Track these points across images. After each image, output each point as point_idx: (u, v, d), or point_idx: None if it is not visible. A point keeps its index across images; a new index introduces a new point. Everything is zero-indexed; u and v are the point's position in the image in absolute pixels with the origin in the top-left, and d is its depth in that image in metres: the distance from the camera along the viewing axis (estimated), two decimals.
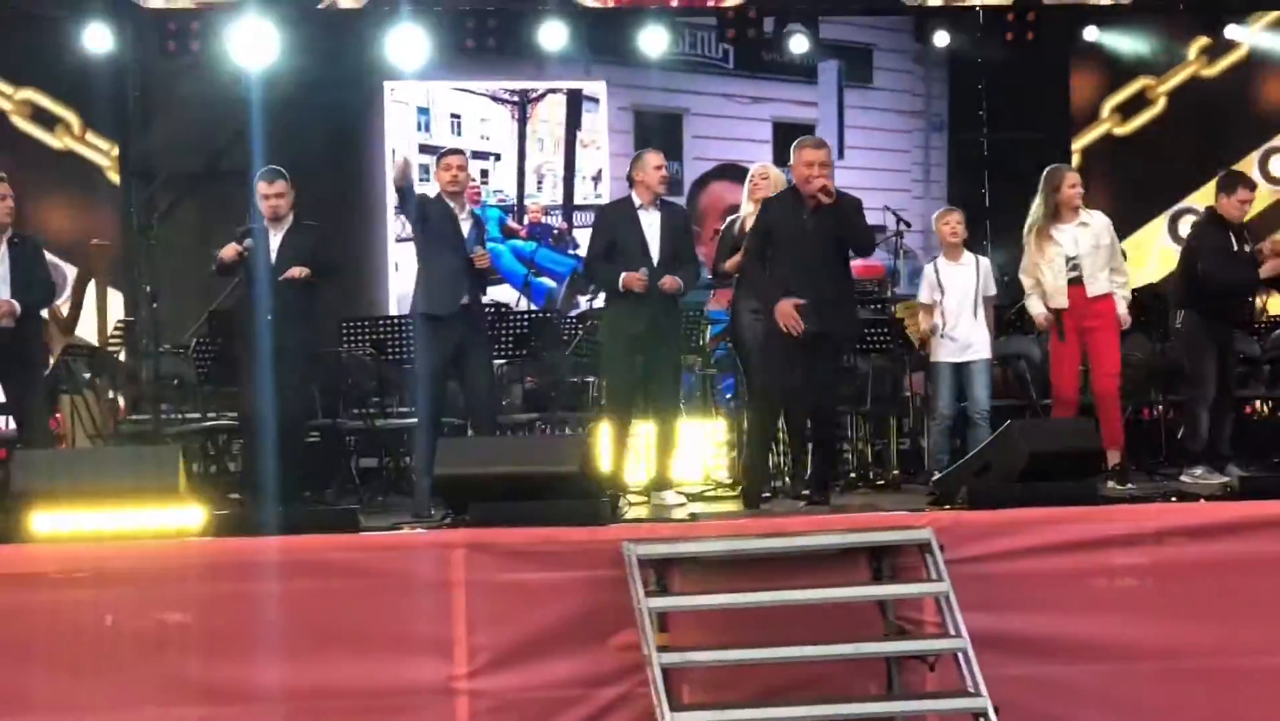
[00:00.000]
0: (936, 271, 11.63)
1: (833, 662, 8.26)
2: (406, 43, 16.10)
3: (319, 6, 16.51)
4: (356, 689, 8.25)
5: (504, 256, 17.05)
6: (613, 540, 8.34)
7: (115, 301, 14.63)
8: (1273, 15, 17.62)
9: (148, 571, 8.29)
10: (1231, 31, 17.14)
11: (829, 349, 10.21)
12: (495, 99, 17.55)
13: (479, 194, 17.18)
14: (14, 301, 10.27)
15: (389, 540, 8.87)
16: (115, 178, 16.90)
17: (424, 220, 10.96)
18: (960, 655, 8.06)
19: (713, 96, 17.92)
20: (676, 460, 11.32)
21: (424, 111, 17.36)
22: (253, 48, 15.73)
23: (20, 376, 10.47)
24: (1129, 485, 10.81)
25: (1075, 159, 17.98)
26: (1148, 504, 9.58)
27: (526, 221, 17.55)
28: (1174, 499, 9.86)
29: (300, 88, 16.11)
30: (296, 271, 10.76)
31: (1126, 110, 18.33)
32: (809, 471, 10.79)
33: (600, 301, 11.82)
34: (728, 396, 13.71)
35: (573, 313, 15.07)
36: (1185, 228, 17.19)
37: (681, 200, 17.10)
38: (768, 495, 10.59)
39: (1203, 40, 17.96)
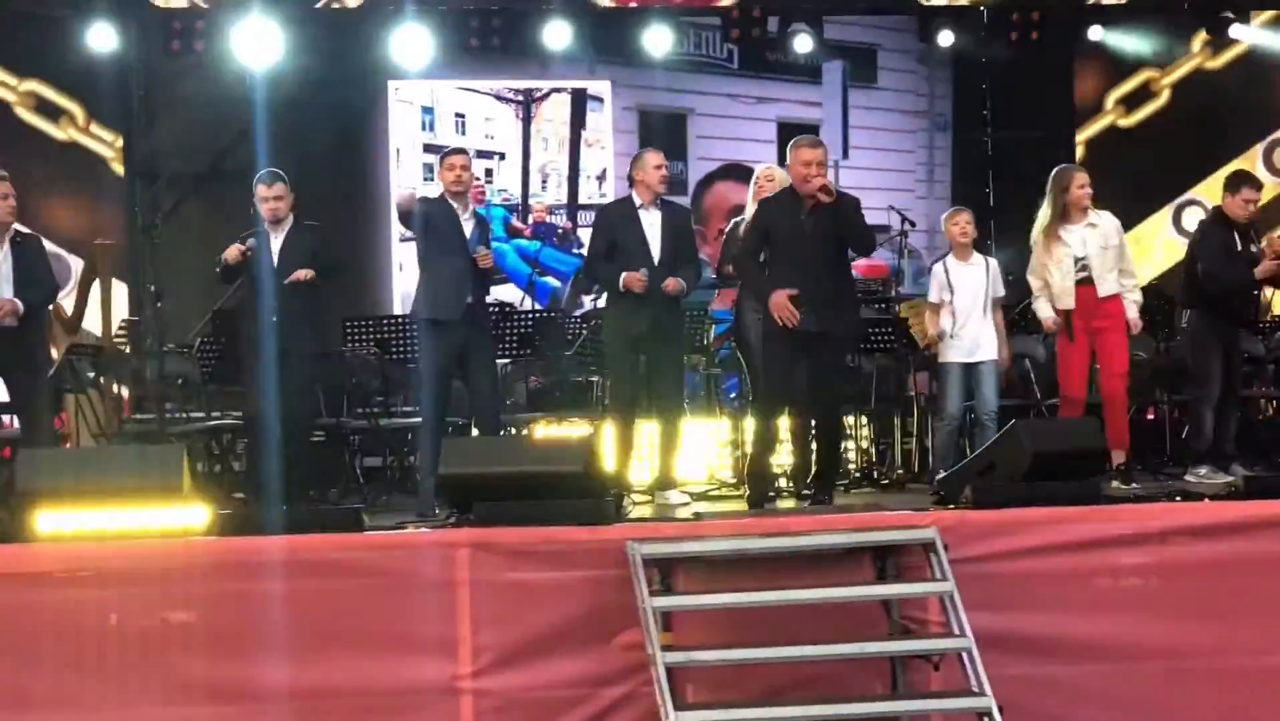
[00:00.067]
0: (946, 271, 11.58)
1: (837, 662, 8.25)
2: (411, 42, 16.09)
3: (316, 6, 16.48)
4: (361, 688, 8.25)
5: (508, 256, 17.06)
6: (617, 539, 8.33)
7: (120, 301, 14.62)
8: (1271, 13, 17.58)
9: (152, 571, 8.29)
10: (1236, 31, 17.09)
11: (830, 349, 10.20)
12: (500, 98, 17.55)
13: (483, 193, 17.18)
14: (16, 300, 10.27)
15: (393, 539, 8.87)
16: (119, 169, 16.91)
17: (426, 225, 10.97)
18: (965, 654, 8.05)
19: (717, 97, 17.92)
20: (680, 459, 11.32)
21: (428, 111, 17.36)
22: (257, 47, 15.72)
23: (24, 375, 10.46)
24: (1133, 485, 10.83)
25: (1079, 151, 18.02)
26: (1152, 503, 9.57)
27: (531, 221, 17.55)
28: (1178, 498, 9.84)
29: (304, 87, 16.11)
30: (301, 274, 10.76)
31: (1130, 102, 18.32)
32: (812, 471, 10.77)
33: (604, 301, 11.81)
34: (731, 396, 13.71)
35: (577, 312, 15.07)
36: (1189, 220, 17.24)
37: (686, 200, 17.11)
38: (772, 495, 10.59)
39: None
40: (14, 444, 11.03)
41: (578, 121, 17.72)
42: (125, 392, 13.34)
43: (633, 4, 17.18)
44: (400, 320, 12.86)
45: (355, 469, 13.10)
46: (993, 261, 11.76)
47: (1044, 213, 11.18)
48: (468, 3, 16.40)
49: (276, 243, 10.95)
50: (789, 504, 10.63)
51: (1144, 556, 8.72)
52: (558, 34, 16.31)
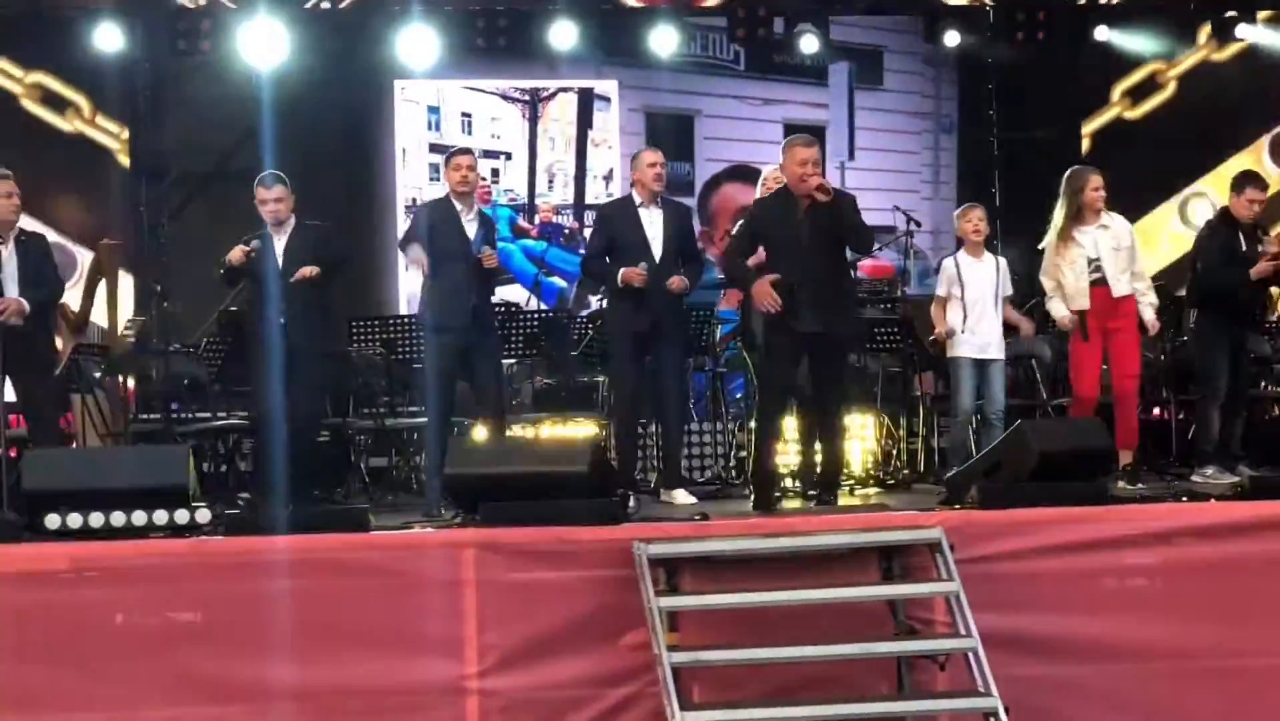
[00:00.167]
0: (957, 265, 11.56)
1: (843, 662, 8.25)
2: (417, 42, 16.08)
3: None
4: (367, 688, 8.25)
5: (515, 256, 17.06)
6: (623, 539, 8.34)
7: (125, 301, 14.63)
8: (1273, 12, 17.56)
9: (158, 570, 8.31)
10: (1243, 31, 17.07)
11: (832, 348, 10.15)
12: (506, 98, 17.55)
13: (489, 193, 17.18)
14: (22, 300, 10.27)
15: (399, 539, 8.87)
16: (125, 161, 16.93)
17: (429, 232, 10.98)
18: (971, 655, 8.05)
19: (724, 98, 17.92)
20: (687, 459, 11.32)
21: (434, 110, 17.36)
22: (263, 47, 15.73)
23: (31, 375, 10.46)
24: (1139, 485, 10.83)
25: (1085, 144, 18.02)
26: (1158, 504, 9.56)
27: (537, 221, 17.54)
28: (1185, 499, 9.83)
29: (310, 87, 16.10)
30: (306, 271, 10.76)
31: (1136, 95, 18.29)
32: (817, 471, 10.77)
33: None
34: (737, 396, 13.71)
35: (583, 312, 15.06)
36: (1196, 212, 17.24)
37: (693, 201, 17.12)
38: (777, 495, 10.58)
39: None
40: (21, 443, 11.04)
41: (584, 121, 17.71)
42: (132, 386, 13.31)
43: (642, 2, 17.19)
44: (406, 320, 12.88)
45: (361, 469, 13.10)
46: (1002, 260, 11.75)
47: (1058, 214, 11.18)
48: (473, 3, 16.40)
49: (280, 244, 10.95)
50: (794, 504, 10.62)
51: (1150, 557, 8.72)
52: (564, 34, 16.30)
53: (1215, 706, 8.60)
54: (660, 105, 17.83)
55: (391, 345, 12.64)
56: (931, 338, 11.80)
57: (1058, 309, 11.13)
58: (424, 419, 11.45)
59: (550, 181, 17.65)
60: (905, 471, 12.48)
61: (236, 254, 10.78)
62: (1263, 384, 13.54)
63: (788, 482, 11.49)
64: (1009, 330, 11.73)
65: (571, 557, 8.39)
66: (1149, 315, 11.14)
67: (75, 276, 13.65)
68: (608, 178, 17.51)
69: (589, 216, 17.12)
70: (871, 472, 12.63)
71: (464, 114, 17.43)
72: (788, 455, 11.59)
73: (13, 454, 10.69)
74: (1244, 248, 11.42)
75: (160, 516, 8.62)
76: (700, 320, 12.66)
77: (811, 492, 10.60)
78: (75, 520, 8.53)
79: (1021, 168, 17.19)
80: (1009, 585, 8.52)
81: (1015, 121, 17.91)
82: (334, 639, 8.28)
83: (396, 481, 12.90)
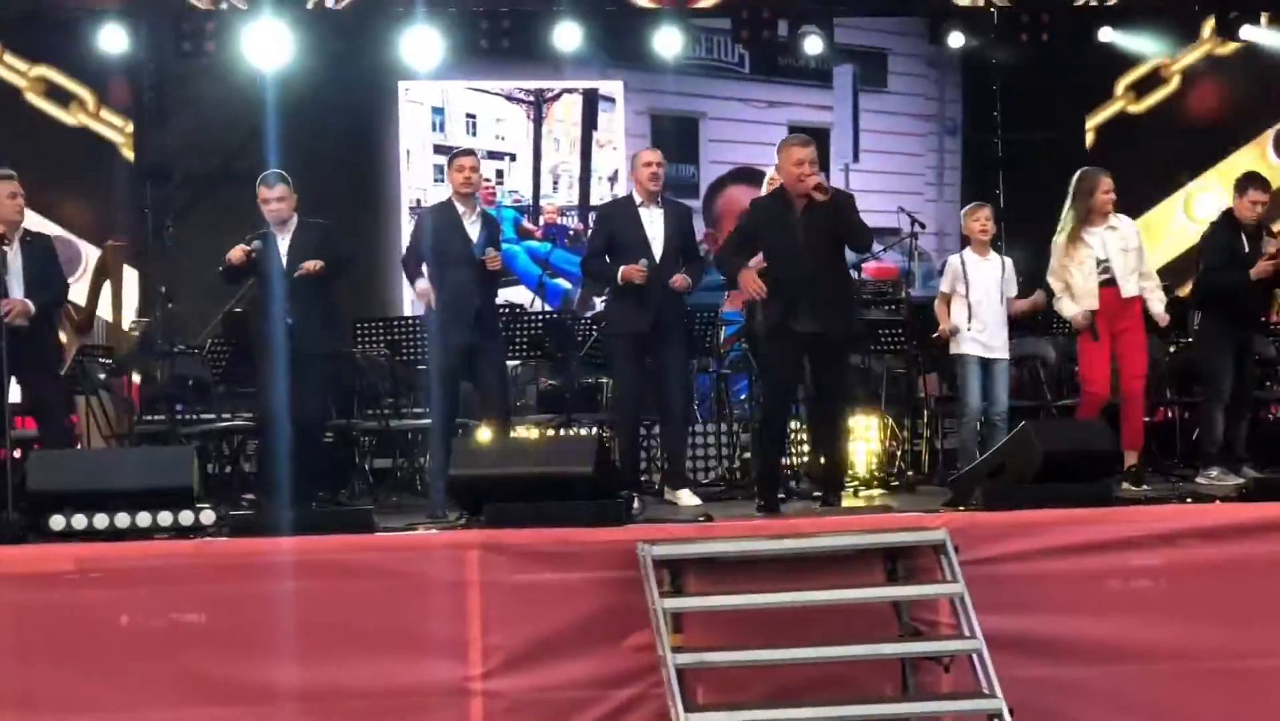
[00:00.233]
0: (963, 263, 11.56)
1: (847, 663, 8.25)
2: (421, 43, 16.09)
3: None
4: (371, 689, 8.25)
5: (519, 257, 17.07)
6: (627, 541, 8.33)
7: (131, 301, 14.64)
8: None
9: (163, 572, 8.31)
10: (1247, 32, 17.07)
11: (833, 349, 10.10)
12: (511, 99, 17.55)
13: (494, 194, 17.20)
14: (28, 301, 10.26)
15: (404, 541, 8.87)
16: (130, 154, 16.97)
17: (432, 235, 10.98)
18: (975, 656, 8.05)
19: (729, 100, 17.93)
20: (691, 460, 11.31)
21: (439, 111, 17.37)
22: (267, 48, 15.74)
23: (37, 375, 10.45)
24: (1144, 486, 10.83)
25: (1089, 138, 18.05)
26: (1163, 505, 9.57)
27: (542, 222, 17.55)
28: (1189, 500, 9.83)
29: (315, 88, 16.13)
30: (310, 265, 10.75)
31: (1140, 89, 18.30)
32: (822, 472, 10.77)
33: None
34: (741, 398, 13.72)
35: (588, 314, 15.08)
36: (1200, 206, 17.25)
37: (698, 203, 17.13)
38: (782, 496, 10.57)
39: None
40: (26, 445, 11.04)
41: (589, 122, 17.72)
42: (137, 382, 13.32)
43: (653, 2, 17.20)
44: (411, 322, 12.89)
45: (366, 470, 13.11)
46: (1008, 261, 11.75)
47: (1067, 215, 11.17)
48: (477, 4, 16.41)
49: (284, 243, 10.95)
50: (799, 505, 10.61)
51: (1155, 558, 8.72)
52: (568, 36, 16.31)
53: (1220, 707, 8.59)
54: (665, 107, 17.84)
55: (396, 346, 12.65)
56: (935, 334, 11.80)
57: (1068, 308, 11.10)
58: (428, 420, 11.45)
59: (555, 183, 17.65)
60: (910, 473, 12.48)
61: (236, 253, 10.78)
62: (1268, 384, 13.51)
63: (793, 484, 11.47)
64: (1014, 331, 11.73)
65: (576, 559, 8.39)
66: (1158, 308, 11.13)
67: (80, 270, 13.69)
68: (613, 179, 17.51)
69: (594, 218, 17.17)
70: (876, 474, 12.63)
71: (468, 115, 17.44)
72: (794, 455, 11.58)
73: (19, 455, 10.70)
74: (1247, 249, 11.43)
75: (165, 518, 8.63)
76: (704, 322, 12.66)
77: (817, 493, 10.59)
78: (80, 521, 8.54)
79: (1025, 168, 17.20)
80: (1013, 586, 8.51)
81: (1019, 122, 17.91)
82: (338, 640, 8.27)
83: (401, 482, 12.91)
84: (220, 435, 12.78)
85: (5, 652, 8.16)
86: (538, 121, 17.62)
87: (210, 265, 11.17)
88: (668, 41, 16.64)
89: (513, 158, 17.56)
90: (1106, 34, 17.14)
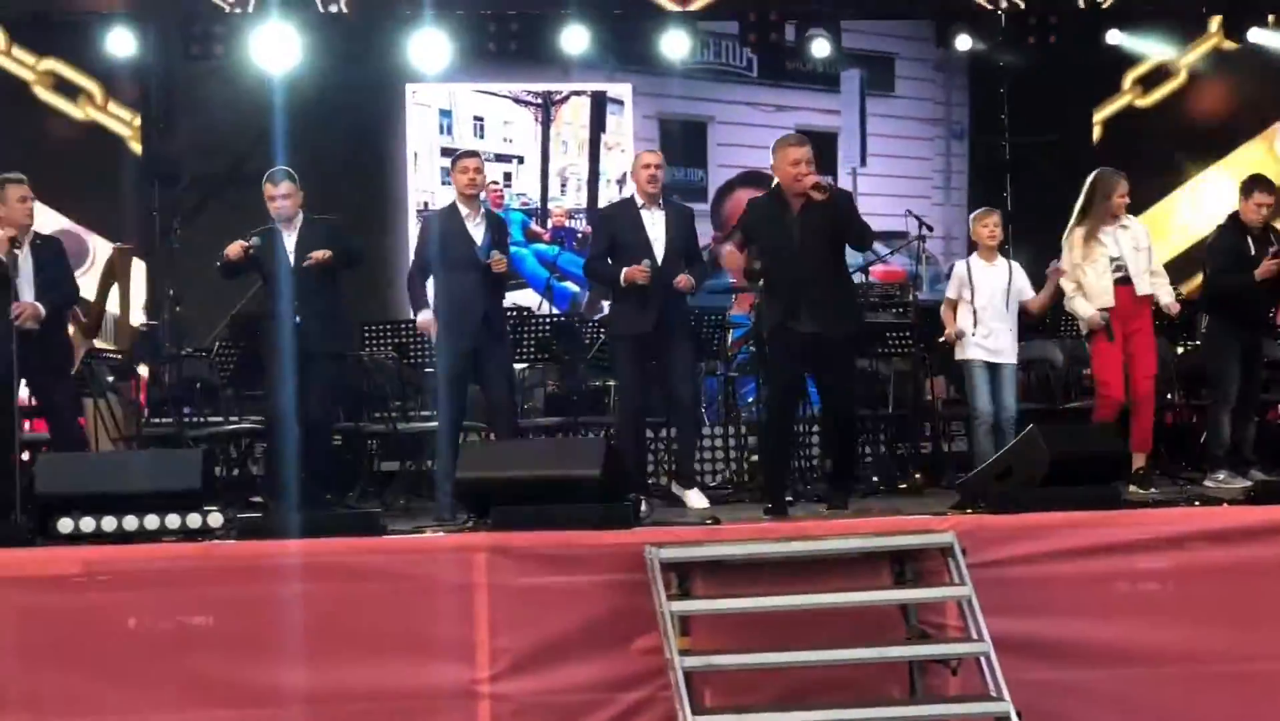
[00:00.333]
0: (969, 269, 11.57)
1: (855, 666, 8.23)
2: (428, 46, 16.12)
3: (331, 9, 16.53)
4: (378, 692, 8.25)
5: (527, 260, 17.08)
6: (635, 543, 8.32)
7: (139, 305, 14.67)
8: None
9: (170, 574, 8.30)
10: (1255, 35, 17.07)
11: (834, 349, 10.07)
12: (518, 101, 17.57)
13: (501, 197, 17.21)
14: (38, 304, 10.28)
15: (411, 543, 8.87)
16: (137, 148, 17.00)
17: (439, 242, 10.98)
18: (983, 659, 8.04)
19: (737, 105, 17.97)
20: (699, 463, 11.30)
21: (446, 114, 17.39)
22: (275, 51, 15.76)
23: (48, 378, 10.46)
24: (1152, 489, 10.81)
25: (1096, 131, 18.04)
26: (1171, 508, 9.53)
27: (550, 225, 17.56)
28: (1197, 503, 9.81)
29: (322, 91, 16.17)
30: (318, 255, 10.73)
31: (1148, 82, 18.29)
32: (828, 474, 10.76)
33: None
34: (749, 400, 13.71)
35: (595, 317, 15.09)
36: (1206, 200, 17.23)
37: (706, 206, 17.15)
38: (789, 498, 10.56)
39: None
40: (34, 447, 11.05)
41: (597, 124, 17.74)
42: (144, 377, 13.34)
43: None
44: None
45: (373, 473, 13.11)
46: (1016, 265, 11.74)
47: (1079, 215, 11.13)
48: (484, 7, 16.42)
49: (291, 240, 10.94)
50: (806, 508, 10.61)
51: (1162, 561, 8.70)
52: (575, 39, 16.33)
53: (1228, 711, 8.57)
54: (673, 111, 17.87)
55: (403, 349, 12.65)
56: (941, 339, 11.79)
57: (1083, 308, 11.06)
58: (436, 423, 11.45)
59: (563, 185, 17.67)
60: (917, 475, 12.47)
61: (234, 248, 10.76)
62: (1273, 388, 13.50)
63: (800, 486, 11.47)
64: (1022, 333, 11.73)
65: (583, 562, 8.38)
66: (1167, 299, 11.12)
67: (87, 264, 13.68)
68: (621, 182, 17.52)
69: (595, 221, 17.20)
70: (883, 476, 12.63)
71: (476, 117, 17.46)
72: (802, 458, 11.58)
73: (26, 457, 10.71)
74: (1252, 251, 11.42)
75: (172, 520, 8.63)
76: (712, 324, 12.66)
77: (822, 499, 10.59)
78: (88, 524, 8.54)
79: (1032, 171, 17.21)
80: (1021, 589, 8.50)
81: (1026, 125, 17.93)
82: (345, 643, 8.27)
83: (408, 485, 12.90)
84: (228, 438, 12.79)
85: (13, 655, 8.16)
86: (545, 124, 17.63)
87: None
88: (675, 45, 16.66)
89: (520, 160, 17.57)
90: (1114, 36, 17.14)
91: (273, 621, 8.24)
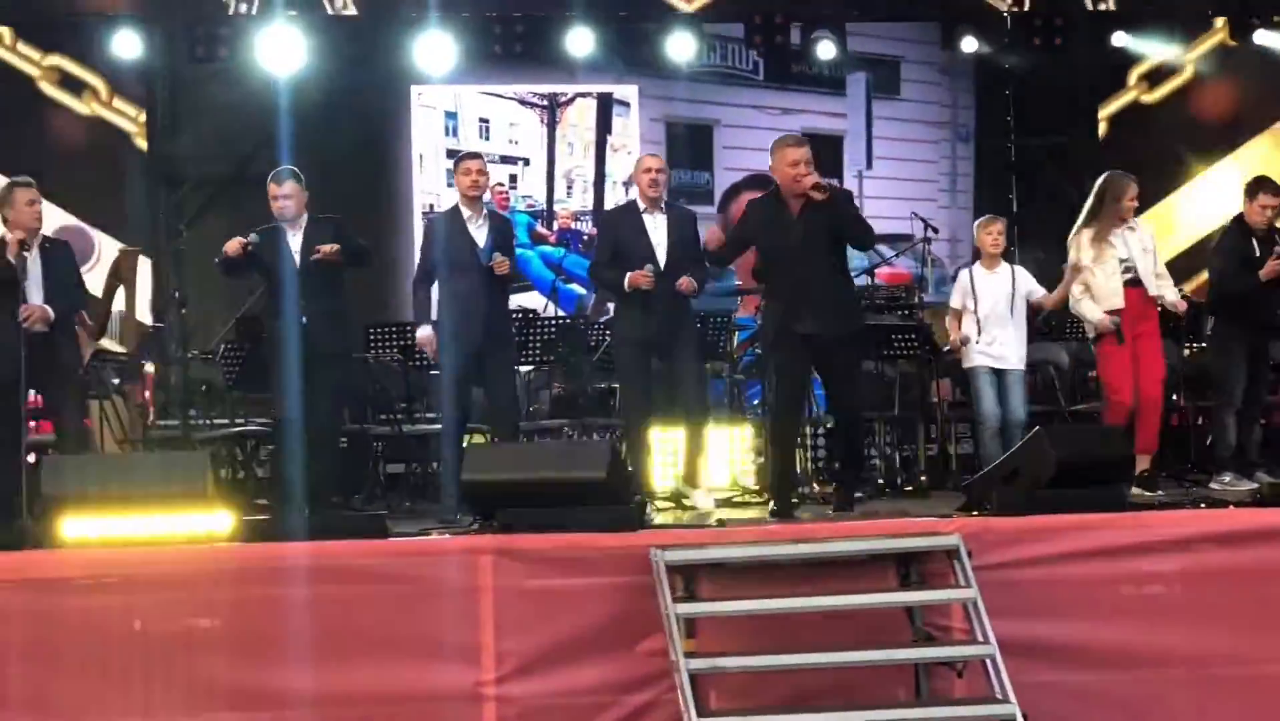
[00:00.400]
0: (971, 278, 11.58)
1: (860, 669, 8.24)
2: (433, 48, 16.12)
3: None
4: (384, 694, 8.25)
5: (532, 262, 17.08)
6: (640, 546, 8.33)
7: (144, 307, 14.68)
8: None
9: (176, 577, 8.31)
10: (1261, 36, 17.05)
11: (835, 350, 10.06)
12: (524, 103, 17.57)
13: (507, 199, 17.21)
14: (46, 307, 10.27)
15: (417, 546, 8.88)
16: (143, 144, 17.01)
17: (444, 245, 10.97)
18: (988, 661, 8.04)
19: (743, 108, 17.95)
20: (706, 462, 11.29)
21: (451, 116, 17.39)
22: (281, 53, 15.77)
23: (55, 381, 10.45)
24: (1158, 492, 10.79)
25: (1102, 128, 18.01)
26: (1176, 510, 9.55)
27: (556, 227, 17.56)
28: (1203, 505, 9.81)
29: (328, 93, 16.18)
30: (326, 249, 10.70)
31: (1153, 78, 18.25)
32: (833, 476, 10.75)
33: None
34: (755, 403, 13.71)
35: (601, 319, 15.09)
36: (1212, 197, 17.20)
37: (712, 209, 17.14)
38: (795, 500, 10.55)
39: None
40: (40, 450, 11.05)
41: (603, 126, 17.73)
42: (151, 375, 13.35)
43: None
44: None
45: (379, 475, 13.12)
46: (1019, 268, 11.74)
47: (1087, 217, 11.10)
48: (490, 9, 16.42)
49: (296, 239, 10.90)
50: (812, 510, 10.61)
51: (1168, 563, 8.70)
52: (581, 41, 16.32)
53: (1234, 713, 8.57)
54: (679, 114, 17.87)
55: (409, 352, 12.64)
56: (946, 347, 11.80)
57: (1091, 311, 11.02)
58: (441, 425, 11.45)
59: (569, 187, 17.66)
60: (923, 478, 12.47)
61: (233, 245, 10.73)
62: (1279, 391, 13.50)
63: (805, 489, 11.46)
64: (1030, 336, 11.73)
65: (589, 564, 8.39)
66: (1173, 296, 11.10)
67: (92, 260, 13.68)
68: (627, 184, 17.48)
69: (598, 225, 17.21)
70: (889, 479, 12.62)
71: (481, 119, 17.45)
72: (808, 460, 11.58)
73: (31, 459, 10.71)
74: (1258, 253, 11.41)
75: (178, 523, 8.62)
76: (718, 327, 12.66)
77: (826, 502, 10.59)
78: (93, 526, 8.54)
79: (1038, 173, 17.20)
80: (1027, 592, 8.50)
81: (1031, 128, 17.92)
82: (351, 645, 8.27)
83: (414, 488, 12.91)
84: (234, 440, 12.80)
85: (19, 658, 8.17)
86: (551, 126, 17.62)
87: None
88: (681, 48, 16.65)
89: (526, 162, 17.57)
90: (1120, 39, 17.12)
91: (279, 624, 8.25)
